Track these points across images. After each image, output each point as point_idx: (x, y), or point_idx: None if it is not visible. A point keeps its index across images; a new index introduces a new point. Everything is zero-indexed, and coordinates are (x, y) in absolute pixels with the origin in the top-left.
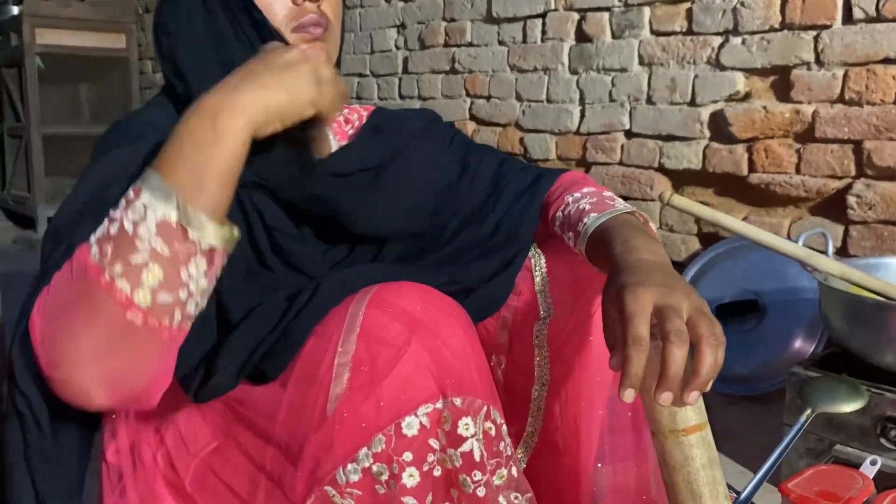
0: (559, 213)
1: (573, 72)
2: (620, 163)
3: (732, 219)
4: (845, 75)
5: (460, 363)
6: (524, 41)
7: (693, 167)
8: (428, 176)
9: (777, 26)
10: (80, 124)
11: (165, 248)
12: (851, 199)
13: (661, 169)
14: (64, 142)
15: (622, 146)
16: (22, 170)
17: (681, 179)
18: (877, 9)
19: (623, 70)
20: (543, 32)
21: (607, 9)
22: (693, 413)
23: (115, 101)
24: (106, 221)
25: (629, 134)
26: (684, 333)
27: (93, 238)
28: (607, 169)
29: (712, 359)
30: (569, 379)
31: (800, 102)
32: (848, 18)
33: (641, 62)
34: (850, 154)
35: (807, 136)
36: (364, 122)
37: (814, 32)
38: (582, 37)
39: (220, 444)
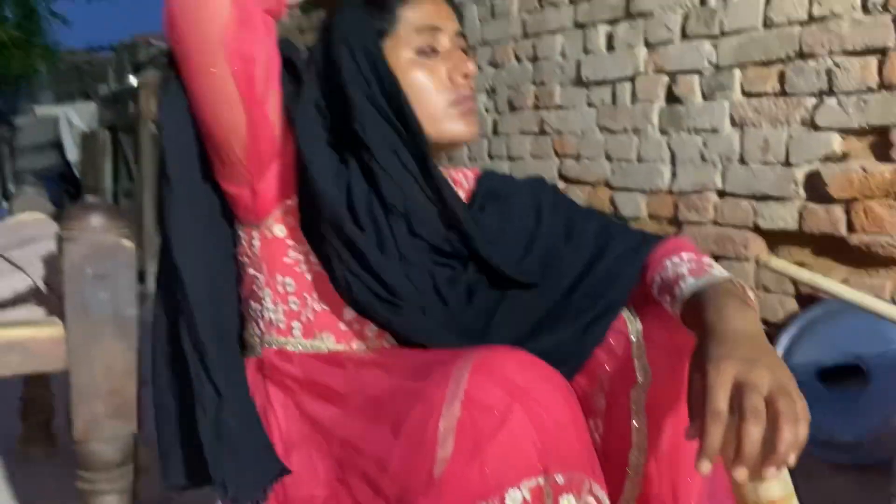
0: (657, 277)
1: (663, 132)
2: (714, 222)
3: (831, 281)
4: None
5: (563, 433)
6: (613, 103)
7: (789, 227)
8: (538, 234)
9: (874, 87)
10: None
11: None
12: None
13: (756, 229)
14: None
15: (714, 206)
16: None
17: (776, 240)
18: None
19: (714, 130)
20: (633, 94)
21: (698, 71)
22: (777, 487)
23: None
24: None
25: (721, 193)
26: (761, 411)
27: None
28: (700, 228)
29: (791, 436)
30: (667, 445)
31: None
32: None
33: (733, 123)
34: None
35: None
36: (476, 184)
37: None
38: (672, 98)
39: (335, 489)
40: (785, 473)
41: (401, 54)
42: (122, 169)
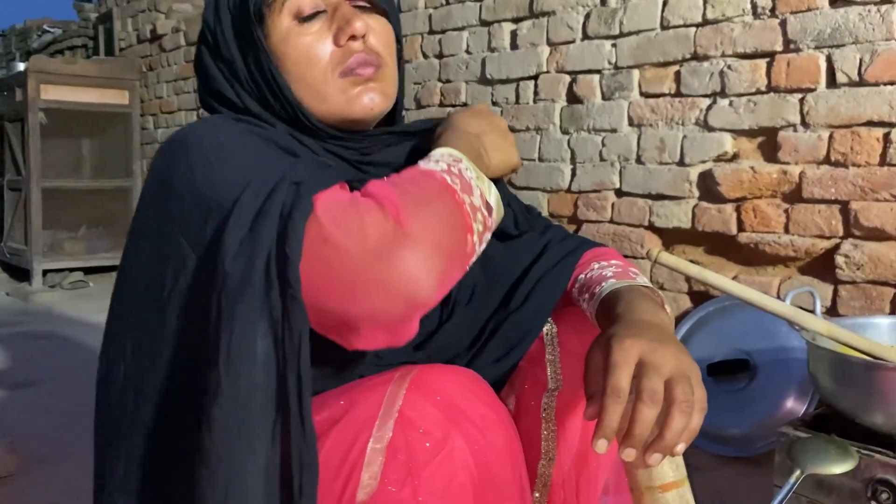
0: (581, 276)
1: (564, 132)
2: (611, 221)
3: (720, 276)
4: (830, 137)
5: (500, 460)
6: (517, 102)
7: (683, 226)
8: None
9: (763, 89)
10: (80, 178)
11: (484, 209)
12: (840, 259)
13: (652, 227)
14: (63, 195)
15: (613, 204)
16: (20, 223)
17: (671, 238)
18: (859, 73)
19: (613, 130)
20: (536, 93)
21: (598, 71)
22: (670, 470)
23: (117, 156)
24: (439, 163)
25: (619, 193)
26: (658, 394)
27: (436, 168)
28: (598, 227)
29: (681, 424)
30: (573, 454)
31: (787, 163)
32: (832, 82)
33: (631, 123)
34: (837, 214)
35: (795, 196)
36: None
37: (799, 95)
38: (573, 98)
39: None
40: (679, 457)
41: (278, 25)
42: (7, 160)
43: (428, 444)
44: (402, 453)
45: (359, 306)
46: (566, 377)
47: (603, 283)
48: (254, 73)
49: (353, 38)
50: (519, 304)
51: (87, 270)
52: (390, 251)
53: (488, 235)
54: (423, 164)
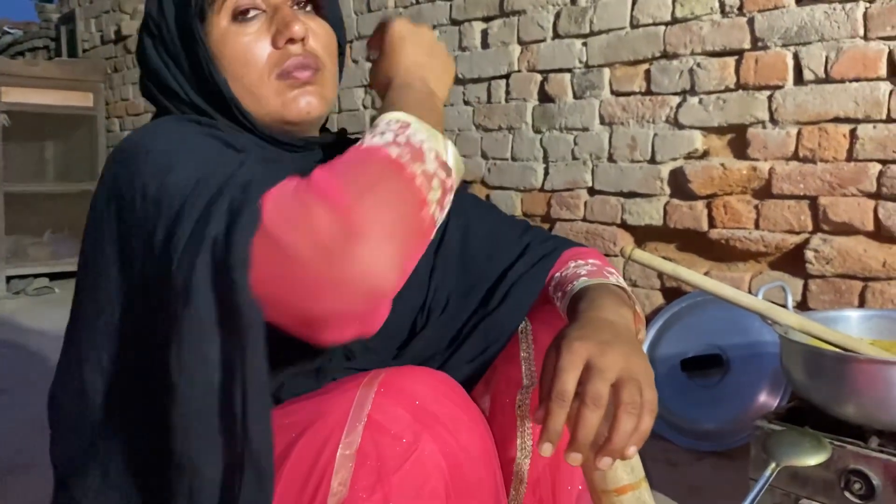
0: (557, 274)
1: (537, 131)
2: (584, 219)
3: (692, 272)
4: (798, 133)
5: (473, 464)
6: (489, 101)
7: (655, 223)
8: (466, 252)
9: (732, 86)
10: (44, 182)
11: (441, 171)
12: (809, 254)
13: (624, 225)
14: (26, 200)
15: (585, 203)
16: None
17: (643, 235)
18: (825, 70)
19: (585, 129)
20: (507, 92)
21: (569, 70)
22: (624, 473)
23: (81, 159)
24: (384, 135)
25: (592, 191)
26: (602, 397)
27: (381, 142)
28: (571, 225)
29: (628, 426)
30: None
31: (756, 160)
32: (799, 79)
33: (602, 121)
34: (806, 210)
35: (764, 192)
36: None
37: (767, 92)
38: (545, 97)
39: None
40: (635, 459)
41: (217, 24)
42: None
43: (398, 449)
44: (371, 458)
45: (320, 306)
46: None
47: (575, 282)
48: (194, 69)
49: (291, 40)
50: (496, 305)
51: (53, 276)
52: (343, 249)
53: (450, 197)
54: (367, 139)
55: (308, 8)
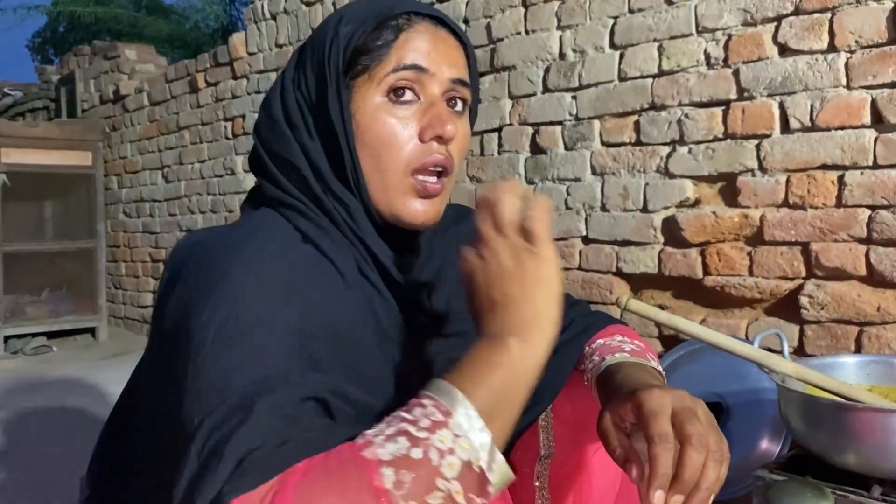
0: (601, 340)
1: (530, 181)
2: (580, 268)
3: (688, 322)
4: (788, 181)
5: None
6: (482, 153)
7: (650, 271)
8: None
9: (720, 136)
10: (42, 241)
11: (460, 494)
12: (804, 300)
13: (620, 273)
14: (25, 259)
15: (580, 252)
16: None
17: (639, 283)
18: (811, 119)
19: (577, 179)
20: (500, 145)
21: (559, 122)
22: None
23: (80, 218)
24: (403, 437)
25: (586, 240)
26: (705, 438)
27: (386, 453)
28: (568, 274)
29: (715, 474)
30: None
31: (747, 207)
32: (786, 128)
33: (594, 172)
34: (798, 256)
35: (756, 239)
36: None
37: (755, 141)
38: (536, 148)
39: None
40: None
41: (370, 96)
42: None
43: None
44: None
45: None
46: (559, 444)
47: (617, 353)
48: (325, 136)
49: (439, 138)
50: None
51: (51, 335)
52: None
53: None
54: (371, 439)
55: (458, 106)
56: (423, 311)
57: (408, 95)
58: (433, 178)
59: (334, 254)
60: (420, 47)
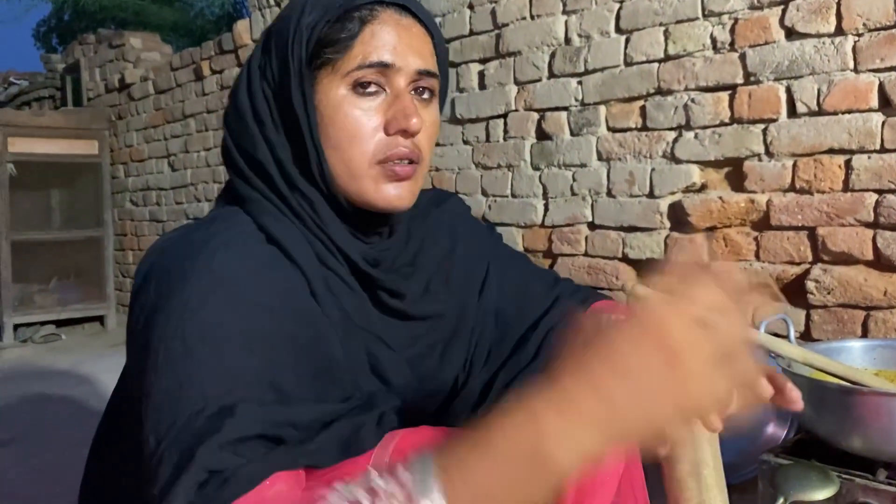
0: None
1: (535, 168)
2: (585, 254)
3: None
4: (794, 165)
5: None
6: (487, 140)
7: (656, 256)
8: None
9: (727, 121)
10: (50, 230)
11: None
12: (810, 284)
13: (626, 259)
14: (33, 248)
15: (586, 238)
16: None
17: (645, 269)
18: (818, 103)
19: (583, 165)
20: (505, 131)
21: (565, 108)
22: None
23: (87, 206)
24: (358, 490)
25: (592, 226)
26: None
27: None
28: (573, 260)
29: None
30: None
31: (754, 192)
32: (792, 112)
33: (600, 157)
34: (805, 240)
35: (763, 224)
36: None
37: (762, 126)
38: (542, 134)
39: None
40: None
41: (334, 88)
42: None
43: None
44: None
45: None
46: None
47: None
48: (290, 130)
49: (404, 132)
50: (529, 360)
51: (59, 323)
52: None
53: None
54: (327, 498)
55: (426, 95)
56: (398, 294)
57: (372, 88)
58: (403, 162)
59: (297, 252)
60: (385, 41)
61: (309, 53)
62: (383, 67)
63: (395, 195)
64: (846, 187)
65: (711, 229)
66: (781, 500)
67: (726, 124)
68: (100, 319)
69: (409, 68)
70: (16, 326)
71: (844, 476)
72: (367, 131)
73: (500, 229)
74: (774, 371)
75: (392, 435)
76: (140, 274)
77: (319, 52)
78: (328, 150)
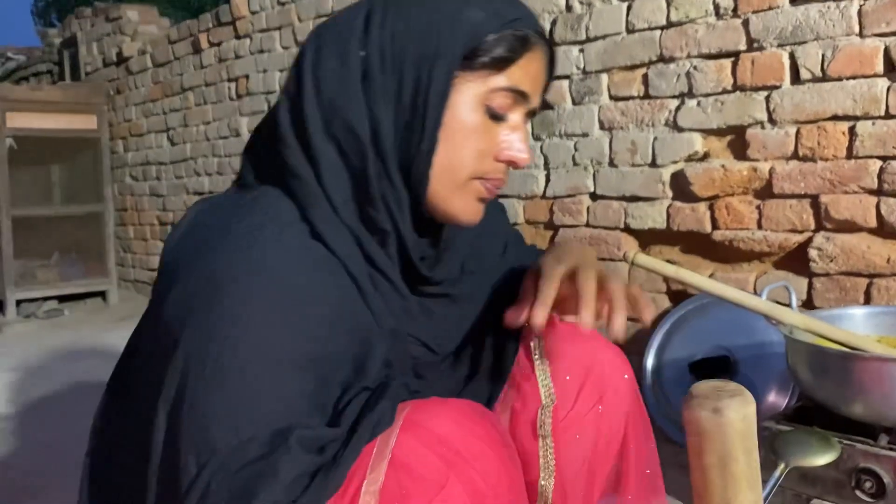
0: None
1: (536, 138)
2: (587, 224)
3: (695, 275)
4: (797, 133)
5: (499, 500)
6: None
7: (658, 226)
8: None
9: (729, 88)
10: (50, 205)
11: None
12: (813, 252)
13: (627, 229)
14: (33, 223)
15: (588, 208)
16: None
17: (647, 239)
18: (822, 69)
19: (585, 135)
20: None
21: (566, 76)
22: (751, 500)
23: (87, 181)
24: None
25: (594, 196)
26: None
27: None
28: (575, 231)
29: (617, 286)
30: (572, 467)
31: (756, 160)
32: (796, 79)
33: (602, 126)
34: (808, 208)
35: (765, 192)
36: None
37: (765, 93)
38: (544, 104)
39: None
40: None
41: (468, 95)
42: None
43: (422, 489)
44: (395, 498)
45: None
46: (558, 390)
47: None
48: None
49: (512, 163)
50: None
51: (62, 298)
52: None
53: None
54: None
55: (528, 125)
56: (438, 283)
57: (502, 110)
58: (495, 190)
59: (342, 250)
60: (533, 73)
61: (464, 49)
62: (522, 98)
63: (475, 213)
64: (850, 154)
65: (714, 198)
66: (782, 466)
67: (729, 92)
68: (102, 294)
69: (534, 102)
70: (18, 302)
71: (845, 442)
72: (483, 148)
73: (501, 201)
74: (640, 290)
75: (402, 407)
76: (172, 254)
77: (473, 53)
78: (438, 151)
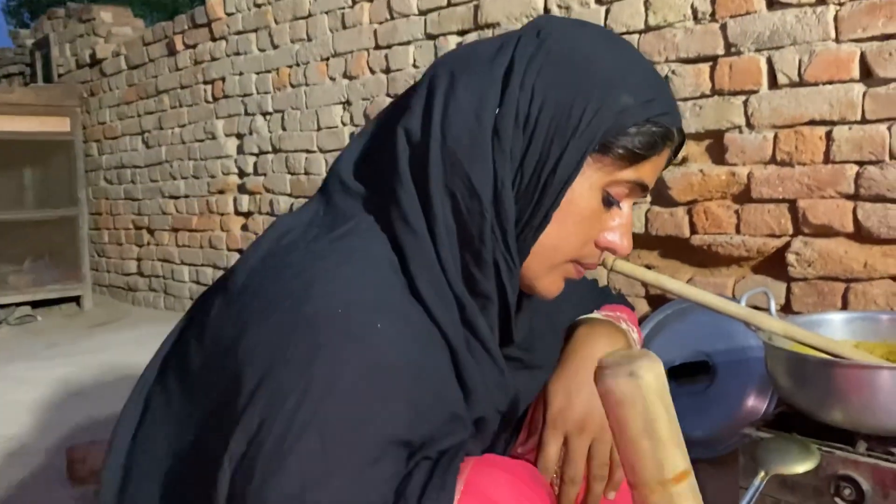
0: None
1: None
2: None
3: (674, 281)
4: (775, 137)
5: None
6: None
7: (636, 231)
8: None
9: (708, 92)
10: (23, 210)
11: None
12: (791, 257)
13: None
14: (5, 228)
15: None
16: None
17: None
18: (799, 74)
19: None
20: None
21: None
22: (681, 458)
23: (60, 185)
24: None
25: None
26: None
27: None
28: None
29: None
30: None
31: (734, 164)
32: (773, 83)
33: None
34: (786, 213)
35: (744, 196)
36: None
37: (742, 97)
38: None
39: None
40: (683, 443)
41: (588, 179)
42: None
43: None
44: None
45: None
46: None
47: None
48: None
49: (612, 251)
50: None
51: (35, 304)
52: None
53: None
54: None
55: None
56: (520, 349)
57: (616, 198)
58: (581, 272)
59: (444, 318)
60: (659, 166)
61: (604, 136)
62: (641, 190)
63: (557, 290)
64: (827, 159)
65: (692, 202)
66: (762, 473)
67: (707, 96)
68: (76, 300)
69: (647, 191)
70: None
71: (825, 449)
72: (588, 234)
73: None
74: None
75: (463, 466)
76: (254, 276)
77: (611, 141)
78: (547, 230)
